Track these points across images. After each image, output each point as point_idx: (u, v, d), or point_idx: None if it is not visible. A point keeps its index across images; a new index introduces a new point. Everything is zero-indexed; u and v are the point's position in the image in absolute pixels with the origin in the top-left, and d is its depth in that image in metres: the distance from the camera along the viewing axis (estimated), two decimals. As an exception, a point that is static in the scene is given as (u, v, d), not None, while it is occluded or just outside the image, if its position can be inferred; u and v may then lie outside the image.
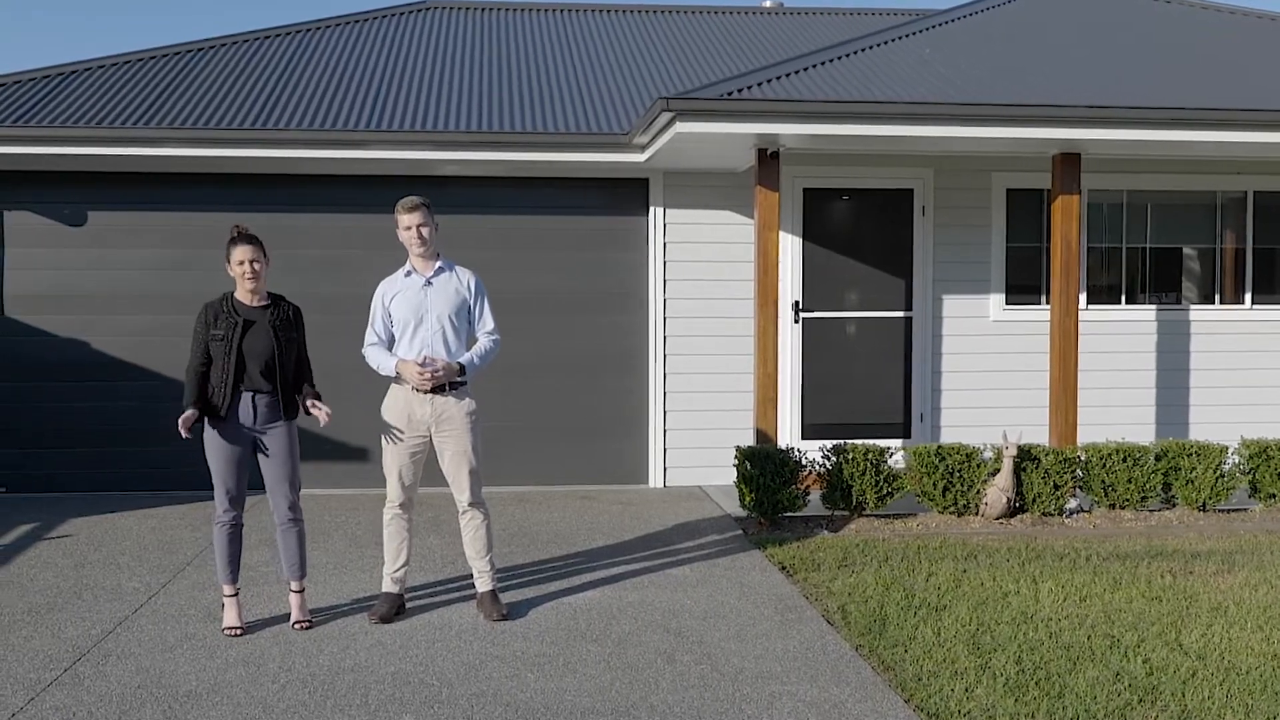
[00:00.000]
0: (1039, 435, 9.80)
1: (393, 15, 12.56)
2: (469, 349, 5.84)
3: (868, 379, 10.00)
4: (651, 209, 9.71)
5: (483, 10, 13.16)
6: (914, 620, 5.79)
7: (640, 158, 9.10)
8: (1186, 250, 10.35)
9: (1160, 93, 8.36)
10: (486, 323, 5.89)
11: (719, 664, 5.12)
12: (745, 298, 9.73)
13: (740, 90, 7.76)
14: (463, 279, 5.85)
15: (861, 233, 9.95)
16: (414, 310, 5.73)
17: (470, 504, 5.83)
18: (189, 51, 10.76)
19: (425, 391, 5.72)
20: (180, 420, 5.40)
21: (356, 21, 12.14)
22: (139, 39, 50.68)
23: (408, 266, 5.84)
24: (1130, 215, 10.23)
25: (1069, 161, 8.59)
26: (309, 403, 5.62)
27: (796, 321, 9.83)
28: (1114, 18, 10.38)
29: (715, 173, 9.66)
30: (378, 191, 9.57)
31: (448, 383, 5.74)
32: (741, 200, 9.75)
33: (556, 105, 9.92)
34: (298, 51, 11.11)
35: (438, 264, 5.82)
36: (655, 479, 9.80)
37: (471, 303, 5.85)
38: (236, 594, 5.61)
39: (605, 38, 12.44)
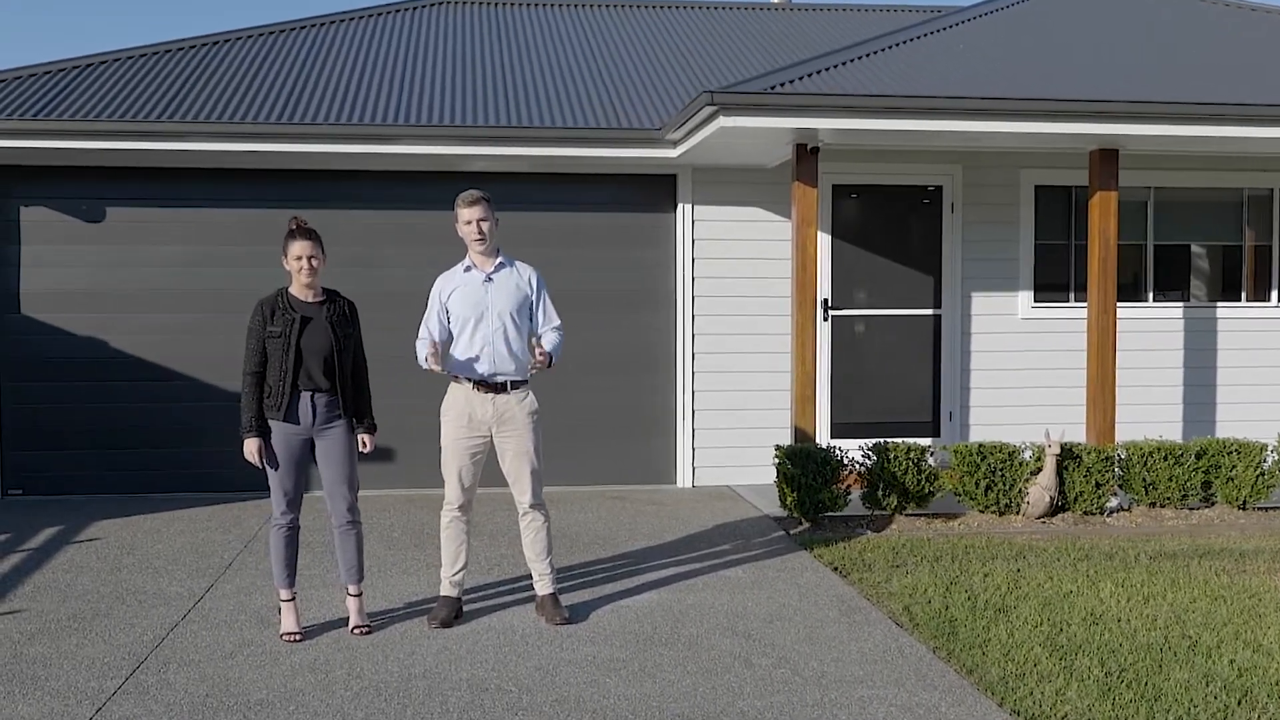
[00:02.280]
0: (1069, 434, 9.73)
1: (409, 10, 12.36)
2: (529, 346, 5.70)
3: (896, 377, 9.91)
4: (680, 205, 9.58)
5: (494, 5, 12.99)
6: (983, 621, 5.69)
7: (673, 153, 8.97)
8: (1212, 248, 10.31)
9: (1199, 88, 8.30)
10: (552, 318, 5.76)
11: (798, 668, 5.00)
12: (774, 295, 9.62)
13: (782, 84, 7.65)
14: (524, 274, 5.71)
15: (890, 230, 9.86)
16: (474, 307, 5.59)
17: (531, 505, 5.70)
18: (204, 45, 10.55)
19: (486, 391, 5.58)
20: (246, 452, 5.28)
21: (373, 15, 11.95)
22: (130, 38, 50.21)
23: (467, 262, 5.69)
24: (1156, 213, 10.18)
25: (1107, 157, 8.52)
26: (362, 437, 5.54)
27: (825, 319, 9.73)
28: (1135, 13, 10.31)
29: (744, 169, 9.54)
30: (403, 187, 9.41)
31: (509, 382, 5.60)
32: (770, 197, 9.63)
33: (574, 100, 9.77)
34: (316, 46, 10.93)
35: (498, 259, 5.68)
36: (683, 479, 9.67)
37: (533, 299, 5.71)
38: (294, 599, 5.45)
39: (615, 33, 12.30)
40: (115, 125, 8.55)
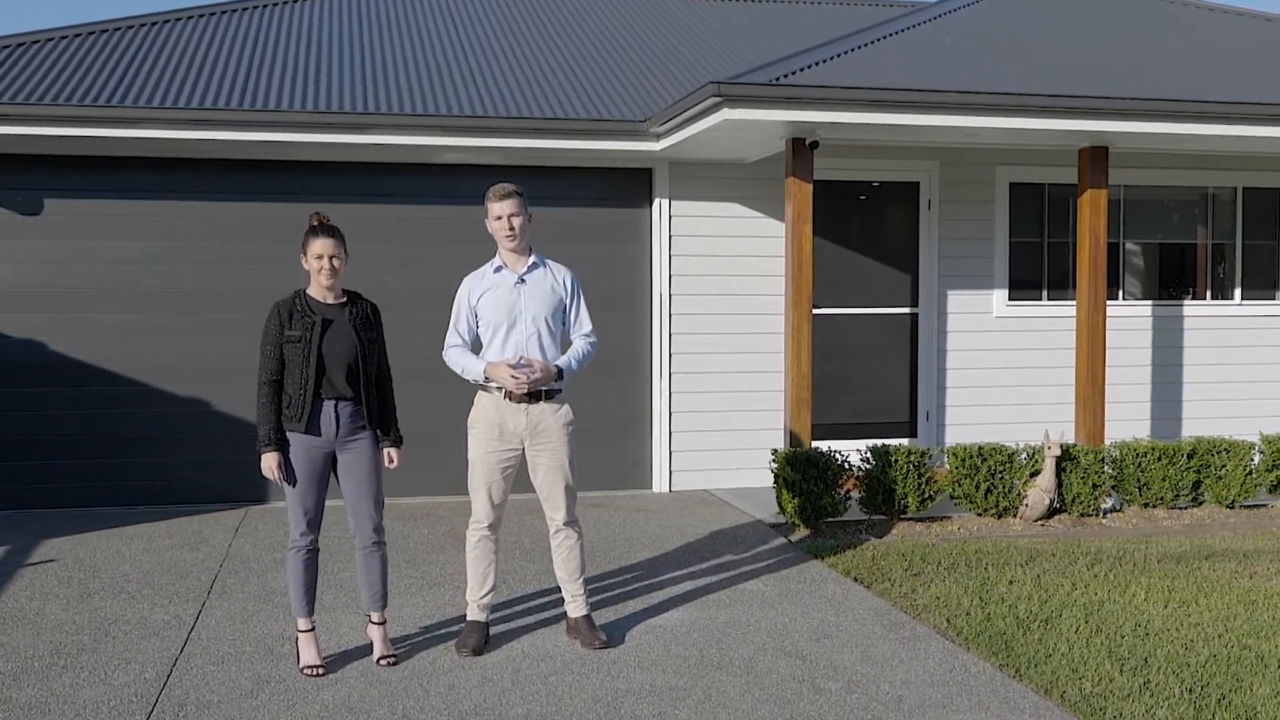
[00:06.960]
0: (1048, 432, 9.66)
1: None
2: (563, 353, 5.33)
3: (873, 377, 9.73)
4: (656, 201, 9.25)
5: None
6: (1034, 635, 5.50)
7: (654, 146, 8.64)
8: (1175, 246, 10.36)
9: (1188, 87, 8.27)
10: (584, 324, 5.38)
11: (871, 692, 4.73)
12: (753, 294, 9.37)
13: (786, 76, 7.38)
14: (559, 276, 5.32)
15: (867, 227, 9.68)
16: (506, 311, 5.18)
17: (565, 522, 5.32)
18: (153, 24, 9.84)
19: (519, 400, 5.18)
20: (264, 467, 4.79)
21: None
22: (61, 18, 47.42)
23: (496, 261, 5.29)
24: (1126, 211, 10.18)
25: (1097, 155, 8.45)
26: (389, 451, 5.10)
27: (804, 318, 9.50)
28: (1102, 11, 10.29)
29: (722, 164, 9.26)
30: (372, 180, 8.89)
31: (544, 390, 5.22)
32: (749, 192, 9.36)
33: (544, 90, 9.34)
34: (275, 26, 10.28)
35: (530, 259, 5.29)
36: (660, 484, 9.35)
37: (568, 303, 5.33)
38: (313, 628, 4.99)
39: (569, 19, 11.89)
40: (56, 110, 7.86)
